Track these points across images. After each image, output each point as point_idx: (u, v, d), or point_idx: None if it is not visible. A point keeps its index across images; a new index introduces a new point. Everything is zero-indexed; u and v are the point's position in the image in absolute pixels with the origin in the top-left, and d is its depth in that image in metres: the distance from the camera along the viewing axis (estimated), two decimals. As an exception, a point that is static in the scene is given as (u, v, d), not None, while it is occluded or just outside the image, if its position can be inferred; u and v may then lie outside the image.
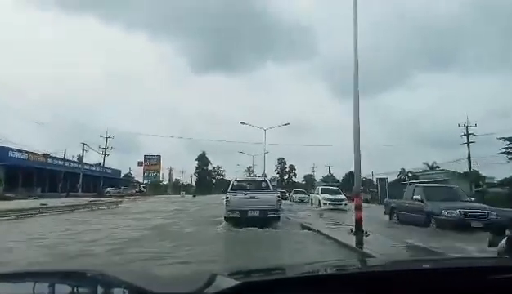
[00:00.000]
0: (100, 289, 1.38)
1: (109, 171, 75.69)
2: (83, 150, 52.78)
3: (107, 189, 58.54)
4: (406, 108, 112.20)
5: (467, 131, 37.24)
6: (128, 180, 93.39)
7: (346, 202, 22.71)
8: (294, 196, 40.47)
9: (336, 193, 25.52)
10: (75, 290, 1.39)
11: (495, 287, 1.14)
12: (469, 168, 37.02)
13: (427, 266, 1.52)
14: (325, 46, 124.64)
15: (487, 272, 1.28)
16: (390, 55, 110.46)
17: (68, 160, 57.64)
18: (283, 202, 37.98)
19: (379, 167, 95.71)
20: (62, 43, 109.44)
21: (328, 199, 23.37)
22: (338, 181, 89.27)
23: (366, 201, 42.81)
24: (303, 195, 39.52)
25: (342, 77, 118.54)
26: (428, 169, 51.76)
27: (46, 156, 46.54)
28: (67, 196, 36.50)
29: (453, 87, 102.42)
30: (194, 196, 60.63)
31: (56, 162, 53.44)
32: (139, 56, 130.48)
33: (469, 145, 37.06)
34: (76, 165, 59.17)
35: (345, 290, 1.07)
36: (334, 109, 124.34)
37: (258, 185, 13.67)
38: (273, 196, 12.76)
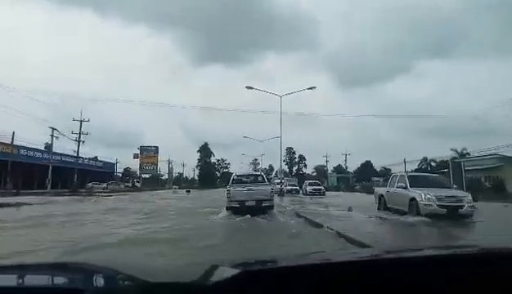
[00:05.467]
0: (102, 281, 1.31)
1: (100, 164, 69.99)
2: (53, 136, 44.37)
3: (90, 185, 51.96)
4: (417, 97, 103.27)
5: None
6: (128, 174, 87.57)
7: None
8: (390, 191, 13.99)
9: None
10: (74, 282, 1.31)
11: (498, 275, 1.11)
12: None
13: (427, 254, 1.45)
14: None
15: (488, 260, 1.23)
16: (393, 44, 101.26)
17: (54, 153, 51.08)
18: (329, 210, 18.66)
19: (395, 157, 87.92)
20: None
21: None
22: (349, 173, 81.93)
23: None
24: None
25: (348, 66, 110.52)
26: (457, 156, 46.63)
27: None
28: (16, 194, 29.66)
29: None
30: (188, 192, 48.11)
31: (27, 152, 47.22)
32: (137, 47, 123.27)
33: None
34: (65, 157, 52.84)
35: (344, 278, 1.07)
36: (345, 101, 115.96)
37: (255, 179, 15.62)
38: (267, 188, 14.49)
